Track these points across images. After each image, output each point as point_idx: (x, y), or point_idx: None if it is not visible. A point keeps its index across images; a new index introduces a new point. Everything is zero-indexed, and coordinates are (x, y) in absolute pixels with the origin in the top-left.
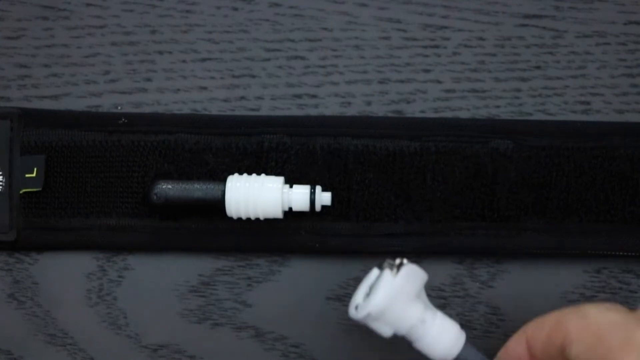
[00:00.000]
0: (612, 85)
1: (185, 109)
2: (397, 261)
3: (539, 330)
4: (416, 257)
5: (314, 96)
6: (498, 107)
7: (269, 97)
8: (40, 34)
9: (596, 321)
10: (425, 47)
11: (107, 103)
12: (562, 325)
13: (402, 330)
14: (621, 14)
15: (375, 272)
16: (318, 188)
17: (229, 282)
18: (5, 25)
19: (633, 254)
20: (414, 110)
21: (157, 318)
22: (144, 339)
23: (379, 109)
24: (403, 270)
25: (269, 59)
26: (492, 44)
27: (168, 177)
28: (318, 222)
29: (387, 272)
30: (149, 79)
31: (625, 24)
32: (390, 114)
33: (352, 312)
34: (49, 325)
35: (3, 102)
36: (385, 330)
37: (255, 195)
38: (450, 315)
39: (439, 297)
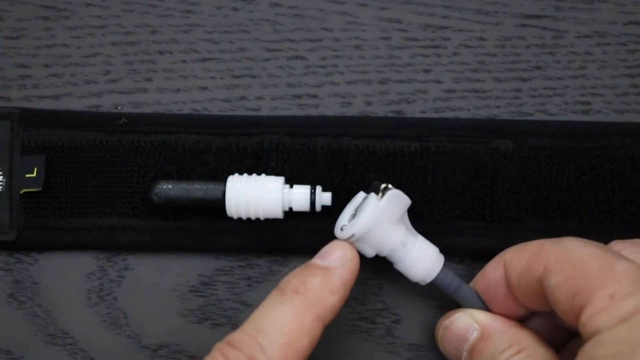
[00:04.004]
0: (612, 86)
1: (186, 109)
2: (383, 186)
3: (517, 257)
4: None
5: (314, 96)
6: (498, 107)
7: (270, 97)
8: (40, 34)
9: (576, 252)
10: (425, 47)
11: (108, 103)
12: (542, 255)
13: (384, 251)
14: (621, 14)
15: (361, 195)
16: (318, 188)
17: (229, 282)
18: (5, 25)
19: None
20: (414, 110)
21: (157, 318)
22: (144, 339)
23: (379, 109)
24: (387, 194)
25: (269, 59)
26: (493, 44)
27: (168, 177)
28: (318, 222)
29: (373, 196)
30: (149, 79)
31: (625, 24)
32: (390, 114)
33: (338, 233)
34: (49, 325)
35: (3, 102)
36: (369, 251)
37: (255, 195)
38: None
39: (439, 297)
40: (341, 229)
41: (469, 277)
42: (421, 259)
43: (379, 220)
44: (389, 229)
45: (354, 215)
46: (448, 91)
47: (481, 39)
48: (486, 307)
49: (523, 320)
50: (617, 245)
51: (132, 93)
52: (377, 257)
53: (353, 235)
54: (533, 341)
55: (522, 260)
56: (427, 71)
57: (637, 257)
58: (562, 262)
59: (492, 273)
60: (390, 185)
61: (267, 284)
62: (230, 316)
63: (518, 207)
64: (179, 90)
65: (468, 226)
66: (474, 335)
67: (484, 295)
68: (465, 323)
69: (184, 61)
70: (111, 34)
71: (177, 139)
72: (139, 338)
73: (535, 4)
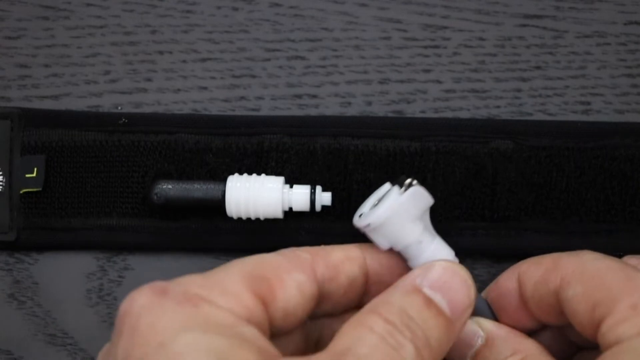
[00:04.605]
0: (612, 86)
1: (186, 109)
2: (408, 181)
3: (533, 269)
4: None
5: (314, 96)
6: (498, 107)
7: (269, 97)
8: (40, 34)
9: (595, 265)
10: (425, 47)
11: (108, 103)
12: (559, 267)
13: (399, 246)
14: (621, 14)
15: (387, 186)
16: (318, 188)
17: None
18: (6, 25)
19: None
20: (414, 110)
21: None
22: None
23: (380, 109)
24: (410, 190)
25: (269, 59)
26: (493, 44)
27: (168, 177)
28: (318, 222)
29: (395, 189)
30: (149, 79)
31: (625, 24)
32: (390, 114)
33: (356, 220)
34: (49, 325)
35: (3, 102)
36: (383, 243)
37: (255, 195)
38: None
39: None
40: (360, 216)
41: None
42: (434, 259)
43: (397, 214)
44: (406, 224)
45: (375, 205)
46: (448, 91)
47: (481, 39)
48: (494, 316)
49: (532, 333)
50: (632, 260)
51: (132, 93)
52: (391, 251)
53: (369, 225)
54: (537, 350)
55: (538, 272)
56: (427, 71)
57: None
58: (580, 273)
59: (505, 284)
60: (415, 182)
61: None
62: None
63: (518, 207)
64: (179, 90)
65: (468, 226)
66: (478, 342)
67: (495, 306)
68: (471, 330)
69: (184, 61)
70: (111, 34)
71: (177, 139)
72: None
73: (535, 4)
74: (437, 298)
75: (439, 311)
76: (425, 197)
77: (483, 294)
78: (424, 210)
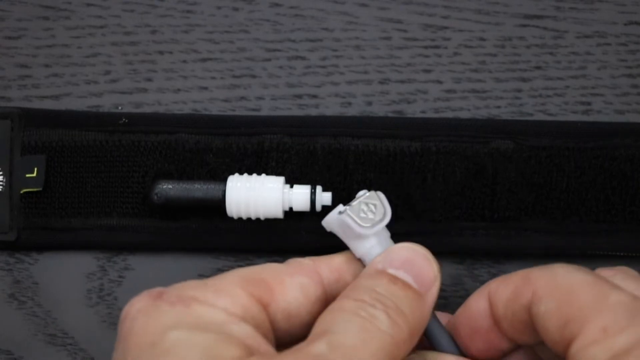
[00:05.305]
0: (612, 86)
1: (186, 109)
2: (344, 208)
3: (503, 286)
4: None
5: (314, 96)
6: (499, 107)
7: (270, 97)
8: (40, 34)
9: (567, 279)
10: (425, 47)
11: (108, 103)
12: (530, 282)
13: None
14: (622, 15)
15: (361, 192)
16: (319, 188)
17: None
18: (6, 25)
19: (633, 254)
20: (415, 110)
21: None
22: None
23: (380, 109)
24: (340, 216)
25: (269, 59)
26: (493, 44)
27: (168, 177)
28: (318, 222)
29: (337, 208)
30: (149, 79)
31: (626, 24)
32: (390, 114)
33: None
34: (49, 325)
35: (3, 102)
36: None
37: (255, 195)
38: None
39: (439, 297)
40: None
41: (469, 277)
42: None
43: (334, 230)
44: (349, 240)
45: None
46: (448, 91)
47: (481, 39)
48: (455, 345)
49: (504, 356)
50: (604, 272)
51: (132, 93)
52: None
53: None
54: None
55: (509, 288)
56: (427, 71)
57: (627, 284)
58: (552, 288)
59: (476, 305)
60: (348, 210)
61: None
62: None
63: (518, 207)
64: (179, 90)
65: (468, 226)
66: None
67: (467, 328)
68: None
69: (184, 61)
70: (111, 34)
71: (177, 139)
72: None
73: (536, 4)
74: (401, 274)
75: (405, 284)
76: (353, 228)
77: (453, 317)
78: (360, 237)
